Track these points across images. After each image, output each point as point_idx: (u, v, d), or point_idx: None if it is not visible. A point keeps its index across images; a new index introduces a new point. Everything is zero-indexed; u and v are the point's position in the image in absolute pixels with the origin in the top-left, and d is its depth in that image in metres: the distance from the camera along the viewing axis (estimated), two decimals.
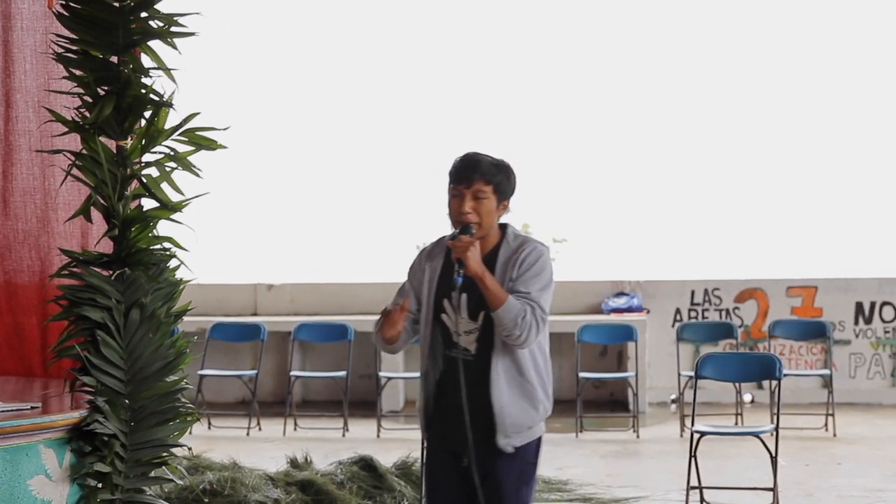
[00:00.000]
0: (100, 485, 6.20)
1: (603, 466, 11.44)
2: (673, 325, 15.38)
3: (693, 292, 15.89)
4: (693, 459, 9.42)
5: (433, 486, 5.70)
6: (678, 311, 15.84)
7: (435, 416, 5.56)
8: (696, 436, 9.53)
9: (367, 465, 9.44)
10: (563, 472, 10.94)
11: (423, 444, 5.82)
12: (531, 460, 5.53)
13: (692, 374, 10.19)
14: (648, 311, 15.62)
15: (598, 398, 15.43)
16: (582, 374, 13.70)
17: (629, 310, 15.48)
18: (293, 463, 9.66)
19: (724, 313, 15.80)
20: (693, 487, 9.50)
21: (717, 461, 10.91)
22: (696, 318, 15.76)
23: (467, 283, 5.32)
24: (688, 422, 11.74)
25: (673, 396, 14.98)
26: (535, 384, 5.40)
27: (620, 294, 15.82)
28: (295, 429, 13.48)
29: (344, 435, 13.22)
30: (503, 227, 5.53)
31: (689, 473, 9.49)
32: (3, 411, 6.12)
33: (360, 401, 14.65)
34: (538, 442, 5.57)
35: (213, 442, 12.24)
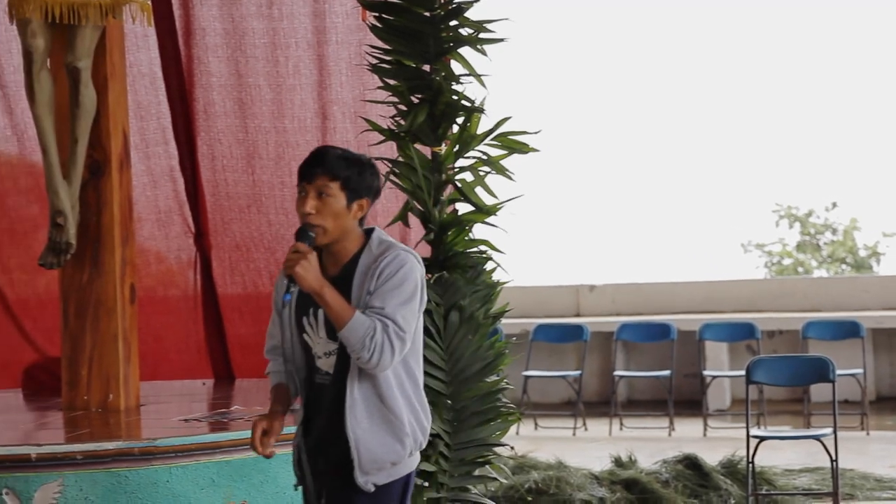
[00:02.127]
0: (426, 483, 6.33)
1: None
2: None
3: None
4: None
5: None
6: None
7: (302, 452, 4.79)
8: None
9: (692, 464, 9.35)
10: None
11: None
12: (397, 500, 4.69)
13: None
14: None
15: None
16: None
17: None
18: (618, 462, 9.65)
19: None
20: None
21: None
22: None
23: None
24: None
25: None
26: (402, 415, 4.60)
27: None
28: (620, 428, 13.46)
29: (669, 434, 13.12)
30: (369, 231, 4.68)
31: None
32: None
33: (686, 400, 14.52)
34: (406, 480, 4.72)
35: (539, 442, 12.32)
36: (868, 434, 12.72)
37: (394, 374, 4.60)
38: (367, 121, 6.64)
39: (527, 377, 13.66)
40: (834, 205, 31.58)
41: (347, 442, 4.52)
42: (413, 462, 4.71)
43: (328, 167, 4.54)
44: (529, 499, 8.49)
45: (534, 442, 12.26)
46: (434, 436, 6.29)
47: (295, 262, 4.38)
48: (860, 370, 13.06)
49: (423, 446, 4.72)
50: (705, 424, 13.11)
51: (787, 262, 31.18)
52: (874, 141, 37.18)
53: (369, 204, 4.66)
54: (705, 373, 13.75)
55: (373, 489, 4.57)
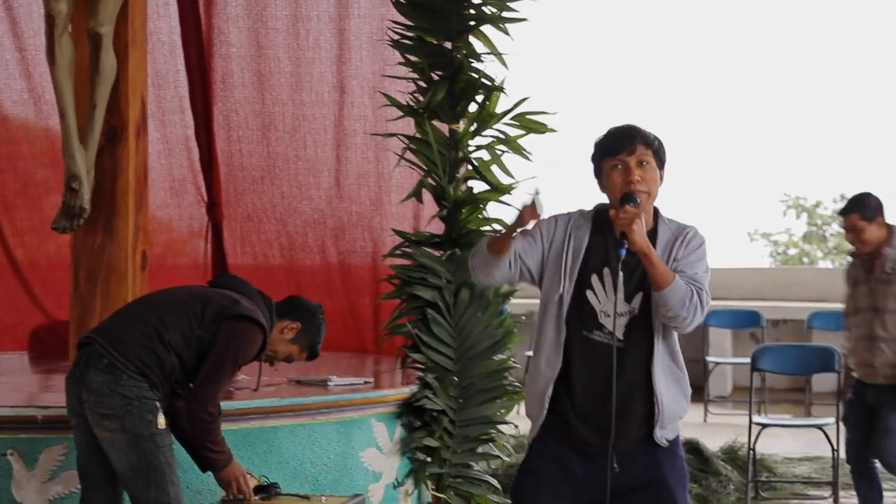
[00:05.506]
0: (429, 459, 6.37)
1: None
2: None
3: None
4: None
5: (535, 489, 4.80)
6: None
7: (567, 410, 4.79)
8: None
9: (692, 449, 9.37)
10: None
11: (530, 444, 4.89)
12: (682, 454, 4.87)
13: None
14: None
15: None
16: None
17: None
18: None
19: None
20: None
21: None
22: None
23: (625, 263, 4.63)
24: None
25: None
26: (684, 373, 4.79)
27: None
28: None
29: None
30: (654, 208, 4.80)
31: None
32: (338, 385, 6.34)
33: None
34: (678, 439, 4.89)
35: None
36: None
37: (676, 337, 4.78)
38: (386, 96, 6.66)
39: (530, 358, 13.67)
40: (842, 196, 31.51)
41: (652, 398, 4.69)
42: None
43: (645, 137, 4.69)
44: None
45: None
46: (439, 412, 6.34)
47: (630, 220, 4.53)
48: None
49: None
50: (706, 410, 13.14)
51: (792, 251, 31.18)
52: (883, 133, 37.17)
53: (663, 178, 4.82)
54: (708, 359, 13.76)
55: (666, 444, 4.75)
